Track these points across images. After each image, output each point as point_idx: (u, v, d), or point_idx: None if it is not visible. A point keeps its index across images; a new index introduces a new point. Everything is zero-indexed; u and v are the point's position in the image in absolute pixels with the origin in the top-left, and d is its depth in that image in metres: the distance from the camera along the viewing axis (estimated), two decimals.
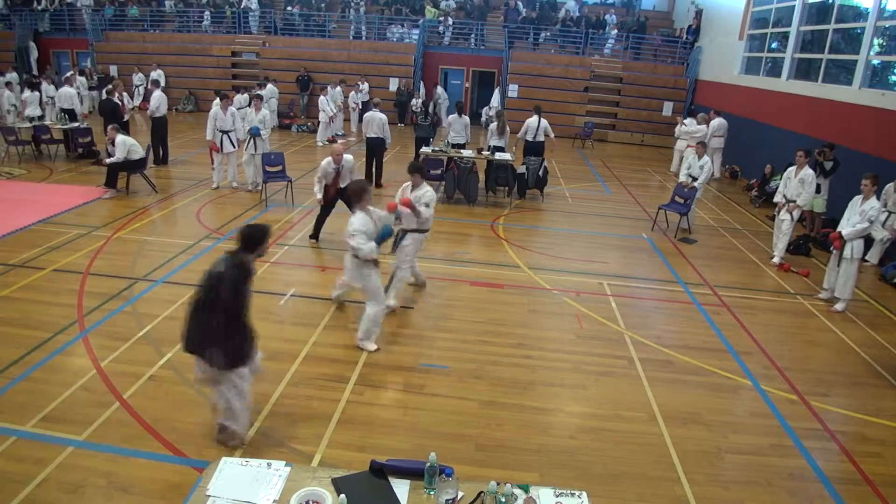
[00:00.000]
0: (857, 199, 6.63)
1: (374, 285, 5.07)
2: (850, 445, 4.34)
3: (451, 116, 11.54)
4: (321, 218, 7.79)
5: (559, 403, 4.64)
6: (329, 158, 7.36)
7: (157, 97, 11.36)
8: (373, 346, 5.18)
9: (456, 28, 20.32)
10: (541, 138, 10.95)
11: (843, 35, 11.25)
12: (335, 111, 15.27)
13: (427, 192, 5.80)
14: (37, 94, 13.31)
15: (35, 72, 19.43)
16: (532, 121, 10.94)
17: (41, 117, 12.81)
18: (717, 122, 13.25)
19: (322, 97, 14.91)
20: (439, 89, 18.85)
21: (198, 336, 3.54)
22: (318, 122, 15.39)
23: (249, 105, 11.65)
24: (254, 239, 3.63)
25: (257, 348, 3.76)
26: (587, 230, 9.33)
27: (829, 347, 5.94)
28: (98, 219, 8.25)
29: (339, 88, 16.20)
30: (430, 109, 14.50)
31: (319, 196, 7.38)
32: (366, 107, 15.27)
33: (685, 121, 13.46)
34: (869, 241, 7.79)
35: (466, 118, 11.51)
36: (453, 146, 10.99)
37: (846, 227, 6.59)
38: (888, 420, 4.69)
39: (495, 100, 18.32)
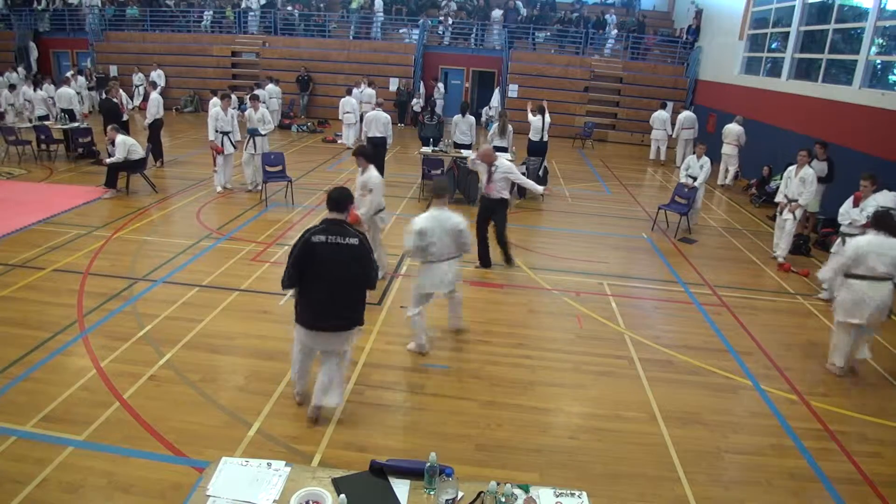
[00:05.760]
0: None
1: None
2: (850, 445, 4.33)
3: (455, 117, 11.53)
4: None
5: (559, 403, 4.64)
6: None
7: (154, 101, 11.26)
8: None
9: (456, 28, 20.31)
10: (546, 138, 10.99)
11: (843, 35, 11.25)
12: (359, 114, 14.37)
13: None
14: (41, 93, 13.32)
15: (34, 71, 19.43)
16: (536, 120, 10.95)
17: (45, 117, 12.81)
18: (684, 115, 14.60)
19: (349, 99, 14.45)
20: (439, 86, 18.71)
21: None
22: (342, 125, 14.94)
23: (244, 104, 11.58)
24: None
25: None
26: (587, 230, 9.32)
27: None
28: (98, 219, 8.25)
29: (363, 87, 15.82)
30: (431, 108, 14.37)
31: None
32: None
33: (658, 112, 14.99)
34: None
35: (471, 118, 11.49)
36: (458, 146, 10.97)
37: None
38: (888, 420, 4.69)
39: (495, 100, 18.33)
